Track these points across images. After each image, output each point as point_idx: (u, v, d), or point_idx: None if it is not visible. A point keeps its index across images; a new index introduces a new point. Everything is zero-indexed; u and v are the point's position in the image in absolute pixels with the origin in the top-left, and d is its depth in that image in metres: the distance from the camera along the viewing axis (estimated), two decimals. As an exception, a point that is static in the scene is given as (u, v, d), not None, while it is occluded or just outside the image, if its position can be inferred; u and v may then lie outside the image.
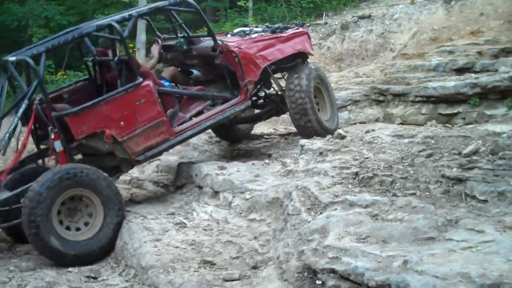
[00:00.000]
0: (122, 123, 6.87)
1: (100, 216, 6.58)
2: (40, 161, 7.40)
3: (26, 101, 6.66)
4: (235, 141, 9.42)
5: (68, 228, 6.50)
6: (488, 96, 9.76)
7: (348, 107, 10.77)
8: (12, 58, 7.07)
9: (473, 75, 10.25)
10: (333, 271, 4.40)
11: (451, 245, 4.27)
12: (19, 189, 6.54)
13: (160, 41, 8.45)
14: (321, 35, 15.38)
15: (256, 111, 9.21)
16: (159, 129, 7.13)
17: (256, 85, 8.30)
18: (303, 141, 7.77)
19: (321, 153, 7.05)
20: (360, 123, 10.32)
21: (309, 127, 8.21)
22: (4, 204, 6.49)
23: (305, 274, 4.72)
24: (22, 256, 6.87)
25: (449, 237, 4.44)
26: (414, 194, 5.30)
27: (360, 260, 4.28)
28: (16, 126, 6.75)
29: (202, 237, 6.11)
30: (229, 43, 7.97)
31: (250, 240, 5.91)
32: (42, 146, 7.33)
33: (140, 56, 13.36)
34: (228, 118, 7.90)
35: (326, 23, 15.82)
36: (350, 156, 6.57)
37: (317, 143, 7.47)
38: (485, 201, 4.99)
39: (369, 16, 15.10)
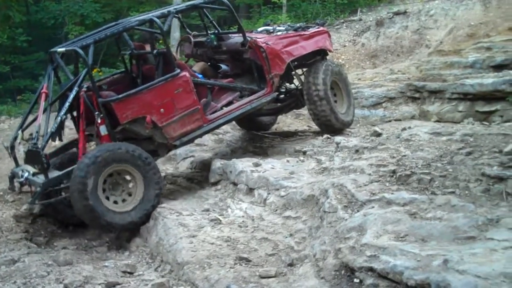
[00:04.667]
0: (162, 109, 7.34)
1: (140, 192, 7.04)
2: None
3: (76, 88, 7.08)
4: (257, 131, 9.85)
5: (109, 199, 6.94)
6: (528, 93, 9.56)
7: (383, 104, 10.66)
8: (60, 49, 7.55)
9: (511, 72, 10.05)
10: (371, 269, 4.36)
11: (493, 244, 4.20)
12: (68, 169, 6.96)
13: (191, 38, 8.86)
14: (355, 32, 15.27)
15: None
16: (194, 116, 7.60)
17: (281, 79, 8.68)
18: (338, 139, 7.74)
19: (357, 151, 7.00)
20: (396, 120, 10.20)
21: (324, 119, 8.67)
22: (55, 182, 6.94)
23: (343, 272, 4.68)
24: (60, 250, 6.98)
25: (490, 236, 4.36)
26: (453, 192, 5.21)
27: (399, 259, 4.23)
28: (67, 111, 7.17)
29: (237, 234, 6.11)
30: (258, 39, 8.42)
31: (286, 237, 5.89)
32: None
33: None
34: (255, 108, 8.32)
35: (360, 20, 15.71)
36: (387, 154, 6.50)
37: (352, 140, 7.42)
38: (527, 200, 4.89)
39: (404, 12, 14.95)
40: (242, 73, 8.83)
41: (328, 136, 8.49)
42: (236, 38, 8.64)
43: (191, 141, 7.94)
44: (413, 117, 10.36)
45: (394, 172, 5.84)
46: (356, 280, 4.50)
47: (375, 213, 5.07)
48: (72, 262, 6.43)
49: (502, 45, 11.03)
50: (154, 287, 5.50)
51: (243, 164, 7.44)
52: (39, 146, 6.95)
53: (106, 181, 6.91)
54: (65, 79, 7.65)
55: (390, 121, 10.18)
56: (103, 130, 7.11)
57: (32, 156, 7.05)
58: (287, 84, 9.29)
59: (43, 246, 7.24)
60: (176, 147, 7.78)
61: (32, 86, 16.93)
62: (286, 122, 10.45)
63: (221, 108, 8.12)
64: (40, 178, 6.92)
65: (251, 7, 20.66)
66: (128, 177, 7.04)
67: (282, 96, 9.28)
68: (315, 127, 10.03)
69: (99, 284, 5.76)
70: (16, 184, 7.25)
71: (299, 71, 9.20)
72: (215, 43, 8.62)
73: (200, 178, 8.45)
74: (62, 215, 7.60)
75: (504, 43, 11.15)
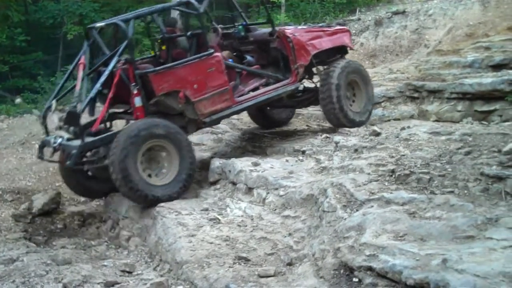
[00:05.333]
0: (195, 85, 7.73)
1: (175, 166, 7.34)
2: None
3: (116, 58, 7.39)
4: (273, 127, 10.08)
5: (145, 171, 7.25)
6: (526, 93, 9.57)
7: (382, 104, 10.62)
8: (99, 24, 8.09)
9: (510, 71, 10.05)
10: (370, 268, 4.36)
11: (492, 244, 4.21)
12: (103, 135, 7.42)
13: (219, 29, 9.18)
14: (354, 31, 15.22)
15: None
16: (224, 96, 8.01)
17: (306, 70, 9.10)
18: (337, 138, 7.74)
19: (356, 150, 7.00)
20: (394, 120, 10.18)
21: (333, 115, 8.91)
22: (91, 146, 7.37)
23: (342, 271, 4.68)
24: (59, 249, 6.99)
25: (489, 235, 4.37)
26: (452, 192, 5.21)
27: (398, 258, 4.24)
28: (106, 78, 7.33)
29: (236, 233, 6.11)
30: (286, 30, 8.95)
31: (285, 236, 5.89)
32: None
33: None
34: (279, 96, 8.74)
35: (359, 19, 15.69)
36: (386, 153, 6.50)
37: (352, 140, 7.43)
38: (526, 199, 4.89)
39: (403, 12, 14.92)
40: (266, 64, 9.15)
41: (327, 135, 8.49)
42: (263, 30, 9.17)
43: (219, 120, 8.28)
44: (412, 117, 10.35)
45: (393, 171, 5.84)
46: (355, 280, 4.50)
47: (374, 212, 5.07)
48: (71, 261, 6.43)
49: (501, 45, 11.04)
50: (153, 286, 5.49)
51: (242, 164, 7.44)
52: (78, 109, 7.21)
53: (144, 155, 7.18)
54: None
55: (389, 120, 10.15)
56: (137, 101, 7.38)
57: (71, 118, 7.22)
58: (306, 80, 9.64)
59: (42, 245, 7.25)
60: (205, 124, 8.10)
61: (31, 85, 16.90)
62: (285, 121, 10.45)
63: (248, 93, 8.50)
64: (75, 143, 7.17)
65: (249, 6, 20.63)
66: (164, 153, 7.33)
67: (299, 93, 9.61)
68: (314, 126, 10.06)
69: (98, 283, 5.77)
70: (49, 150, 7.50)
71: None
72: (242, 33, 9.06)
73: (199, 177, 8.42)
74: (86, 189, 8.08)
75: (502, 42, 11.15)
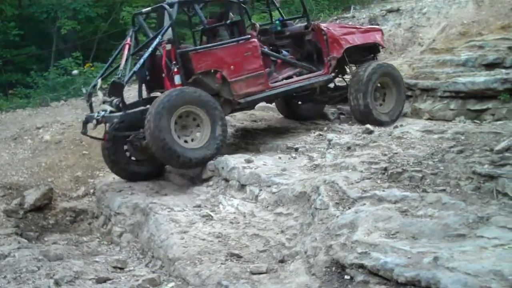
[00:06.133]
0: (232, 67, 8.24)
1: (207, 130, 7.73)
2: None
3: (160, 37, 7.90)
4: (298, 119, 10.33)
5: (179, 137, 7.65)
6: (519, 92, 9.59)
7: (376, 101, 10.65)
8: (146, 10, 8.63)
9: (503, 70, 10.06)
10: (361, 266, 4.37)
11: (483, 242, 4.22)
12: (143, 108, 7.86)
13: (257, 25, 9.40)
14: (348, 29, 15.22)
15: None
16: (258, 80, 8.49)
17: (338, 66, 9.59)
18: (330, 136, 7.75)
19: (349, 148, 7.01)
20: (388, 117, 10.20)
21: (358, 113, 9.25)
22: (132, 117, 7.72)
23: (333, 268, 4.69)
24: (51, 245, 6.97)
25: (480, 234, 4.38)
26: (444, 190, 5.23)
27: (389, 256, 4.25)
28: (149, 55, 7.84)
29: (229, 230, 6.12)
30: (321, 24, 9.48)
31: (277, 234, 5.89)
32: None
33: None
34: (312, 85, 9.19)
35: (353, 17, 15.68)
36: (379, 151, 6.51)
37: (344, 137, 7.44)
38: (517, 198, 4.90)
39: (397, 10, 14.91)
40: (300, 58, 9.58)
41: (320, 133, 8.53)
42: (298, 25, 9.89)
43: (253, 103, 8.77)
44: (405, 115, 10.37)
45: (385, 169, 5.85)
46: (346, 277, 4.51)
47: (367, 210, 5.08)
48: (63, 257, 6.43)
49: (494, 44, 11.04)
50: (145, 282, 5.50)
51: (235, 161, 7.44)
52: (123, 81, 7.63)
53: (177, 123, 7.56)
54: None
55: (382, 118, 10.17)
56: (177, 79, 7.83)
57: (115, 88, 7.60)
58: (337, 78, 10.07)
59: (34, 241, 7.24)
60: (239, 105, 8.50)
61: (24, 80, 16.82)
62: (278, 119, 10.46)
63: (282, 80, 8.97)
64: (118, 114, 7.59)
65: (244, 3, 20.60)
66: (195, 119, 7.72)
67: (330, 90, 9.93)
68: (307, 123, 10.06)
69: (90, 279, 5.76)
70: (93, 122, 7.74)
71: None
72: (279, 28, 9.65)
73: (192, 174, 8.43)
74: (128, 172, 8.31)
75: (496, 41, 11.15)
